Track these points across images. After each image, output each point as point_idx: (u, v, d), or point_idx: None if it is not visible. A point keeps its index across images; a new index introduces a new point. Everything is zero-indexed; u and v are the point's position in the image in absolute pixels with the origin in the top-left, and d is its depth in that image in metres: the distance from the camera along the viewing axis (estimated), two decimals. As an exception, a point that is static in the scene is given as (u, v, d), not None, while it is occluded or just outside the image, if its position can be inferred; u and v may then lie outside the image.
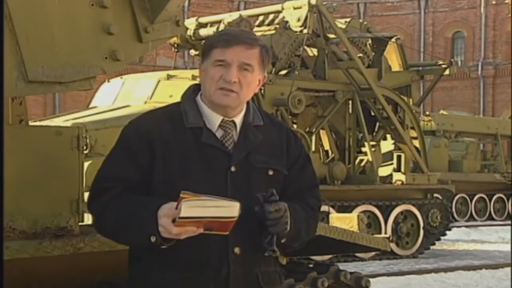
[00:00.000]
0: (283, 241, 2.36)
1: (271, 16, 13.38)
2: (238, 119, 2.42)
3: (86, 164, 3.16)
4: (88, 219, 2.68)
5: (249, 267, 2.37)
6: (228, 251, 2.33)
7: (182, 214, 2.13)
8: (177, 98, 2.53)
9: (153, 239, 2.22)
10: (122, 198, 2.32)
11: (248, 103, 2.46)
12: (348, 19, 14.56)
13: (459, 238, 16.48)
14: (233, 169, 2.36)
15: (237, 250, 2.34)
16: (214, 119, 2.39)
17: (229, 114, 2.40)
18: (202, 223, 2.17)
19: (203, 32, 12.89)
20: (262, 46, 2.42)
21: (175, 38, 12.54)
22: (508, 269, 10.52)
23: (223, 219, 2.18)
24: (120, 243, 2.47)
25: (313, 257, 7.64)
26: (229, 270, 2.33)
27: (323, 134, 13.52)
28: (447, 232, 13.92)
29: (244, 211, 2.26)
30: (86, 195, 2.55)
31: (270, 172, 2.42)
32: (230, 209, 2.17)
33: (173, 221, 2.18)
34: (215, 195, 2.24)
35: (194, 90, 2.46)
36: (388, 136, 13.93)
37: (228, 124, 2.40)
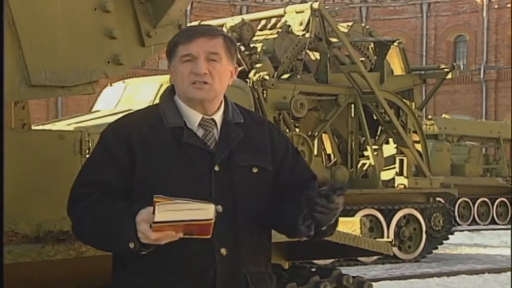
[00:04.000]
0: (324, 228, 2.31)
1: (273, 20, 13.40)
2: (218, 117, 2.39)
3: (88, 168, 3.15)
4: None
5: (236, 268, 2.33)
6: (214, 253, 2.29)
7: (157, 219, 2.09)
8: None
9: (131, 245, 2.17)
10: (100, 203, 2.27)
11: (226, 100, 2.43)
12: (350, 23, 14.57)
13: (461, 242, 16.46)
14: (216, 168, 2.32)
15: (223, 250, 2.30)
16: (193, 118, 2.36)
17: (207, 109, 2.37)
18: (179, 227, 2.13)
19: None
20: (225, 35, 2.41)
21: (177, 42, 12.54)
22: (511, 273, 10.51)
23: (199, 221, 2.13)
24: (99, 249, 2.43)
25: (315, 261, 7.63)
26: (216, 271, 2.29)
27: (325, 138, 13.52)
28: (450, 236, 13.90)
29: (229, 211, 2.24)
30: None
31: (255, 170, 2.38)
32: (205, 211, 2.12)
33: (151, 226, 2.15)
34: (199, 195, 2.20)
35: (171, 91, 2.44)
36: (391, 140, 13.92)
37: (208, 122, 2.37)
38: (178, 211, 2.10)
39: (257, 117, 2.56)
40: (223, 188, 2.31)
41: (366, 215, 12.25)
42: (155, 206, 2.09)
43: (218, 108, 2.40)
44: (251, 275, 2.37)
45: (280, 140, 2.48)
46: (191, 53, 2.33)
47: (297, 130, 12.69)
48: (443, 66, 14.93)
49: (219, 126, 2.38)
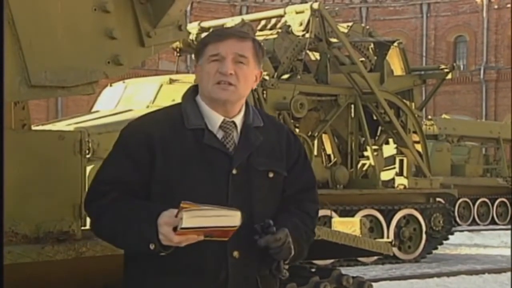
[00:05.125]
0: (287, 262, 2.36)
1: (273, 21, 13.40)
2: (239, 120, 2.40)
3: (88, 169, 3.16)
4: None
5: (248, 271, 2.36)
6: (226, 255, 2.32)
7: (184, 225, 2.11)
8: (179, 103, 2.51)
9: (152, 246, 2.20)
10: (121, 202, 2.30)
11: (247, 104, 2.45)
12: (350, 23, 14.57)
13: (461, 242, 16.46)
14: (234, 171, 2.34)
15: (235, 254, 2.32)
16: (215, 120, 2.37)
17: (229, 111, 2.38)
18: (203, 232, 2.15)
19: (205, 36, 12.91)
20: (255, 39, 2.43)
21: (177, 43, 12.55)
22: (511, 273, 10.51)
23: (224, 228, 2.16)
24: (117, 247, 2.45)
25: (315, 262, 7.63)
26: (228, 274, 2.32)
27: (325, 138, 13.52)
28: (450, 236, 13.90)
29: (244, 214, 2.24)
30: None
31: (271, 175, 2.40)
32: (232, 218, 2.15)
33: (174, 229, 2.16)
34: (216, 197, 2.23)
35: (193, 90, 2.45)
36: (391, 140, 13.92)
37: (228, 125, 2.38)
38: (204, 217, 2.12)
39: (276, 122, 2.59)
40: (239, 191, 2.33)
41: (366, 216, 12.25)
42: (182, 212, 2.11)
43: (239, 111, 2.41)
44: (262, 278, 2.40)
45: (295, 148, 2.50)
46: (220, 52, 2.35)
47: (297, 130, 12.68)
48: (443, 66, 14.93)
49: (239, 129, 2.40)
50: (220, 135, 2.37)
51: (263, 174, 2.39)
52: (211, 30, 13.11)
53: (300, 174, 2.49)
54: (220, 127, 2.38)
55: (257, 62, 2.41)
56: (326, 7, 13.57)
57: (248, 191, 2.34)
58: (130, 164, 2.34)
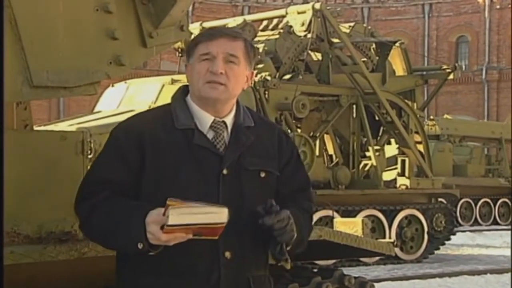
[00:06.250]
0: (288, 248, 2.34)
1: (275, 21, 13.41)
2: (229, 120, 2.39)
3: (90, 169, 3.16)
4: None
5: (240, 272, 2.34)
6: (219, 256, 2.30)
7: (170, 222, 2.10)
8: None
9: (140, 246, 2.18)
10: (110, 202, 2.28)
11: (238, 104, 2.44)
12: (352, 24, 14.57)
13: (463, 242, 16.46)
14: (225, 171, 2.33)
15: (228, 254, 2.31)
16: (205, 120, 2.36)
17: (219, 111, 2.37)
18: (191, 229, 2.14)
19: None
20: (246, 39, 2.41)
21: (179, 43, 12.53)
22: (513, 274, 10.50)
23: (212, 225, 2.14)
24: (107, 248, 2.43)
25: (317, 262, 7.63)
26: (220, 274, 2.30)
27: (327, 139, 13.52)
28: (452, 236, 13.91)
29: (235, 215, 2.23)
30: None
31: (262, 174, 2.39)
32: (219, 215, 2.14)
33: (162, 227, 2.15)
34: (207, 197, 2.22)
35: (183, 91, 2.44)
36: (392, 140, 13.92)
37: (219, 125, 2.37)
38: (191, 214, 2.11)
39: (267, 121, 2.58)
40: (230, 191, 2.32)
41: (368, 216, 12.23)
42: (168, 209, 2.10)
43: (230, 111, 2.40)
44: (254, 278, 2.38)
45: (287, 147, 2.49)
46: (210, 51, 2.34)
47: (298, 130, 12.69)
48: (445, 66, 14.94)
49: (229, 129, 2.38)
50: (210, 135, 2.36)
51: (254, 173, 2.37)
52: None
53: (293, 174, 2.48)
54: (211, 127, 2.36)
55: (248, 62, 2.39)
56: (328, 8, 13.58)
57: (239, 191, 2.33)
58: (121, 164, 2.33)
